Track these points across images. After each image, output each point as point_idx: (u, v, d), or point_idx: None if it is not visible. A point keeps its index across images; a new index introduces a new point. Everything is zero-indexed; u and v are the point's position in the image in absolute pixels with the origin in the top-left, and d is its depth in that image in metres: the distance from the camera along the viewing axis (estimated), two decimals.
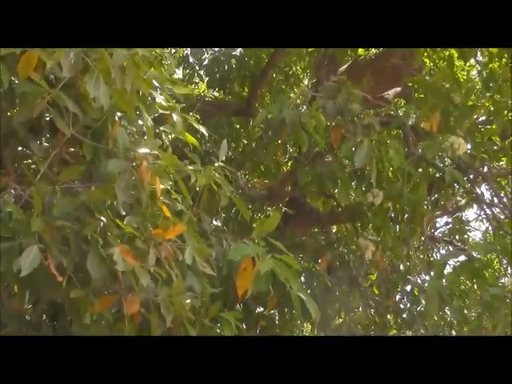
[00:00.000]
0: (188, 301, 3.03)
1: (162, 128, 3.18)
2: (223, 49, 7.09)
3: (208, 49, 7.13)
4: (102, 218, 2.77)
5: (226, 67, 7.03)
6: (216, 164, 3.46)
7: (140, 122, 3.07)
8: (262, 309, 5.31)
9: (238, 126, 6.99)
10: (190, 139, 3.24)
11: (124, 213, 2.80)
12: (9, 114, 3.06)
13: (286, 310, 5.63)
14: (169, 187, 3.04)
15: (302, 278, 5.29)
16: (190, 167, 3.18)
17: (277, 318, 5.74)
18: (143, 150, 2.80)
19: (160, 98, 3.14)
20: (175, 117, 3.18)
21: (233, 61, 7.01)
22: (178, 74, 7.39)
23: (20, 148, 3.25)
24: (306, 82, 7.23)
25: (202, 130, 3.35)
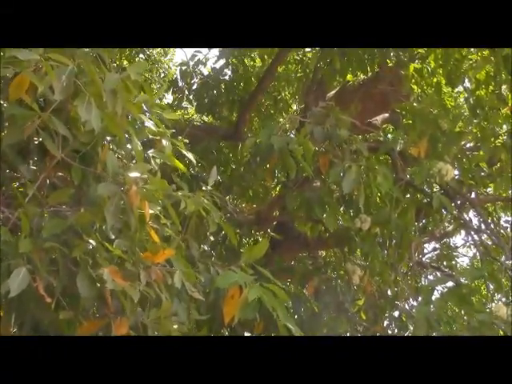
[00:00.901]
0: (175, 326, 3.03)
1: (150, 153, 3.19)
2: (212, 73, 7.13)
3: (196, 73, 7.16)
4: (91, 241, 2.77)
5: (215, 92, 7.06)
6: (204, 189, 3.48)
7: (129, 146, 3.08)
8: (249, 334, 5.30)
9: (226, 151, 7.01)
10: (178, 165, 3.26)
11: (113, 236, 2.80)
12: None
13: (272, 334, 5.62)
14: (158, 212, 3.05)
15: (290, 303, 5.28)
16: (180, 193, 3.20)
17: None
18: (133, 174, 2.81)
19: (149, 123, 3.16)
20: (164, 142, 3.19)
21: (222, 85, 7.04)
22: (168, 98, 7.41)
23: (8, 171, 3.25)
24: (294, 108, 7.27)
25: (190, 156, 3.36)
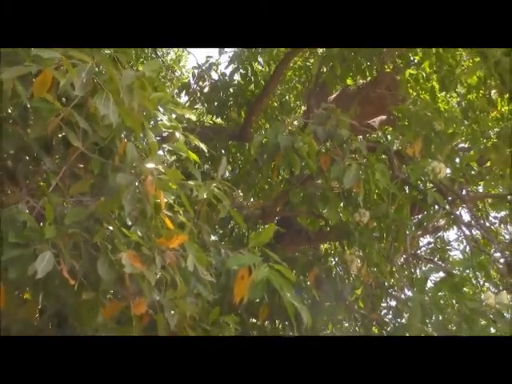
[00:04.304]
0: (190, 305, 3.04)
1: (165, 146, 3.19)
2: (222, 77, 7.13)
3: (208, 77, 7.16)
4: (110, 227, 2.79)
5: (225, 95, 7.06)
6: (214, 179, 3.49)
7: (145, 139, 3.09)
8: (254, 320, 5.31)
9: (234, 150, 7.01)
10: (191, 155, 3.26)
11: (130, 223, 2.81)
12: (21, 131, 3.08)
13: (277, 321, 5.63)
14: (172, 200, 3.06)
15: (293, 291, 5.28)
16: (192, 182, 3.20)
17: (268, 328, 5.72)
18: (148, 165, 2.82)
19: (163, 118, 3.17)
20: (177, 134, 3.20)
21: (231, 89, 7.05)
22: (182, 100, 7.41)
23: (32, 163, 3.26)
24: (298, 110, 7.28)
25: (202, 146, 3.37)
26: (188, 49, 8.63)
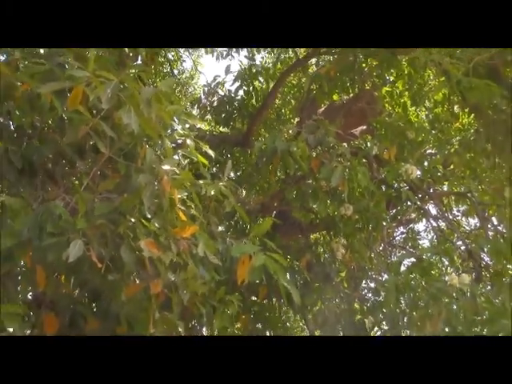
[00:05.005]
0: (200, 285, 3.02)
1: (179, 151, 3.17)
2: (227, 93, 7.10)
3: (216, 93, 7.13)
4: (132, 219, 2.77)
5: (230, 108, 7.05)
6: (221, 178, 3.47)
7: (162, 145, 3.07)
8: (254, 298, 5.31)
9: (237, 155, 6.98)
10: (201, 159, 3.25)
11: (149, 216, 2.80)
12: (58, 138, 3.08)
13: (274, 299, 5.61)
14: (184, 197, 3.05)
15: (287, 274, 5.26)
16: (201, 181, 3.19)
17: (266, 305, 5.71)
18: (165, 167, 2.81)
19: (178, 127, 3.15)
20: (190, 142, 3.18)
21: (235, 103, 7.03)
22: (194, 112, 7.38)
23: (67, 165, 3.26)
24: (292, 121, 7.24)
25: (210, 152, 3.34)
26: (199, 69, 8.62)
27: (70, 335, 3.05)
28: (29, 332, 3.09)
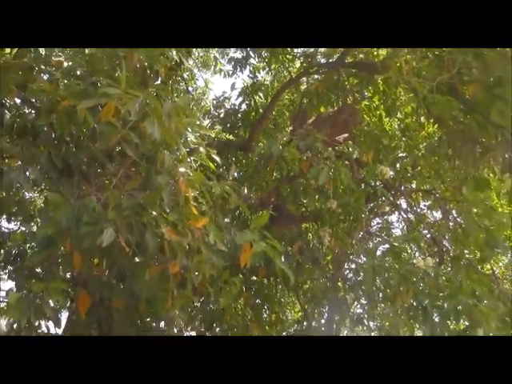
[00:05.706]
0: (209, 268, 3.04)
1: (192, 156, 3.19)
2: (233, 106, 7.11)
3: (223, 106, 7.15)
4: (154, 212, 2.79)
5: (235, 119, 7.08)
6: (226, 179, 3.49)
7: (178, 151, 3.08)
8: (255, 278, 5.34)
9: (241, 158, 6.99)
10: (210, 164, 3.27)
11: (168, 210, 2.82)
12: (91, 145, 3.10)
13: (271, 279, 5.63)
14: (197, 195, 3.07)
15: (282, 258, 5.28)
16: (210, 182, 3.21)
17: (265, 285, 5.74)
18: (181, 170, 2.84)
19: (191, 136, 3.16)
20: (201, 148, 3.20)
21: (239, 114, 7.05)
22: (204, 122, 7.40)
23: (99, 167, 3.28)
24: (286, 129, 7.25)
25: (217, 158, 3.36)
26: (209, 86, 8.62)
27: (98, 314, 3.07)
28: (68, 304, 3.14)
